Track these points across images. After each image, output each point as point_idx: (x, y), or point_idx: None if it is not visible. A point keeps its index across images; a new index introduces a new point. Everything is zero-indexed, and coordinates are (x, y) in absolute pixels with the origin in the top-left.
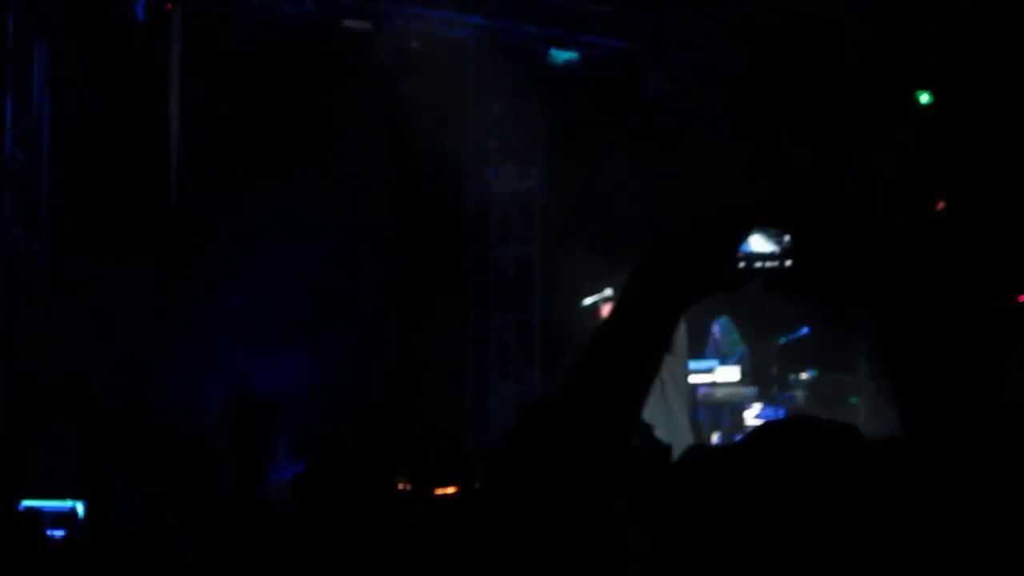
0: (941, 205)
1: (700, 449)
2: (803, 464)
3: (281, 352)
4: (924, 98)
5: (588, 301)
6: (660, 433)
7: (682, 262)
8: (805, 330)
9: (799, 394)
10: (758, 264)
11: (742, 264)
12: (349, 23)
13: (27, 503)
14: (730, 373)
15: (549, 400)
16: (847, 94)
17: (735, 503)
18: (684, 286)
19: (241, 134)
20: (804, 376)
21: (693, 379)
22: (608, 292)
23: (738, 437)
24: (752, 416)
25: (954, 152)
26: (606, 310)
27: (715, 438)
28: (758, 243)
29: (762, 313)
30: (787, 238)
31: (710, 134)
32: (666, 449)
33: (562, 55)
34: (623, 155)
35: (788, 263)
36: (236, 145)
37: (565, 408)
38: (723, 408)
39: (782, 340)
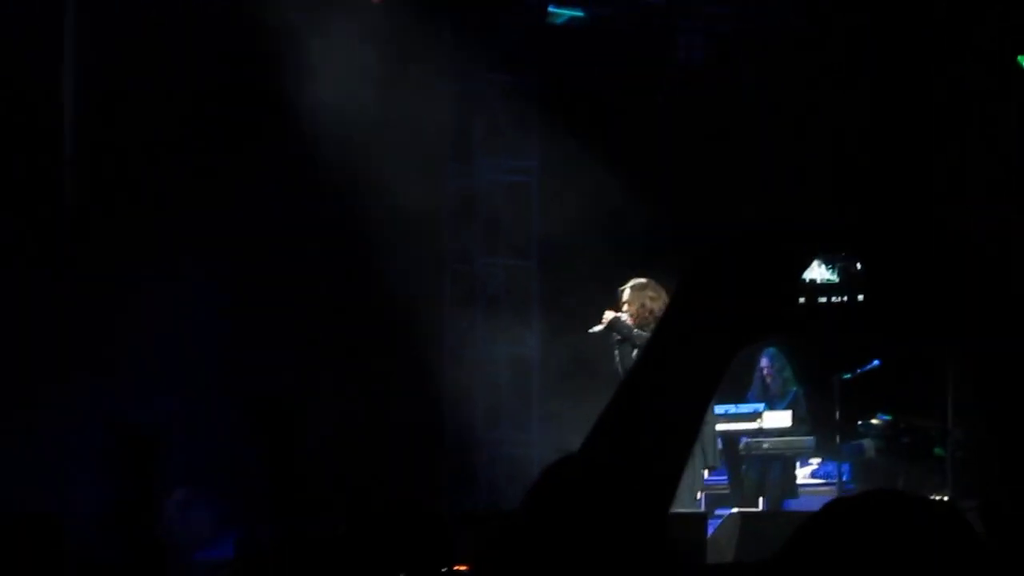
0: None
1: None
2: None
3: (199, 391)
4: None
5: (597, 327)
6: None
7: (734, 293)
8: (876, 363)
9: (868, 444)
10: (822, 298)
11: (803, 298)
12: None
13: None
14: (780, 418)
15: (571, 462)
16: (932, 61)
17: None
18: (736, 325)
19: (153, 115)
20: (875, 422)
21: (732, 426)
22: (620, 315)
23: (790, 503)
24: (808, 473)
25: None
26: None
27: (761, 503)
28: (818, 271)
29: (820, 343)
30: (858, 266)
31: (757, 113)
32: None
33: (565, 13)
34: (645, 141)
35: (861, 297)
36: (146, 128)
37: (590, 472)
38: (772, 462)
39: (846, 376)
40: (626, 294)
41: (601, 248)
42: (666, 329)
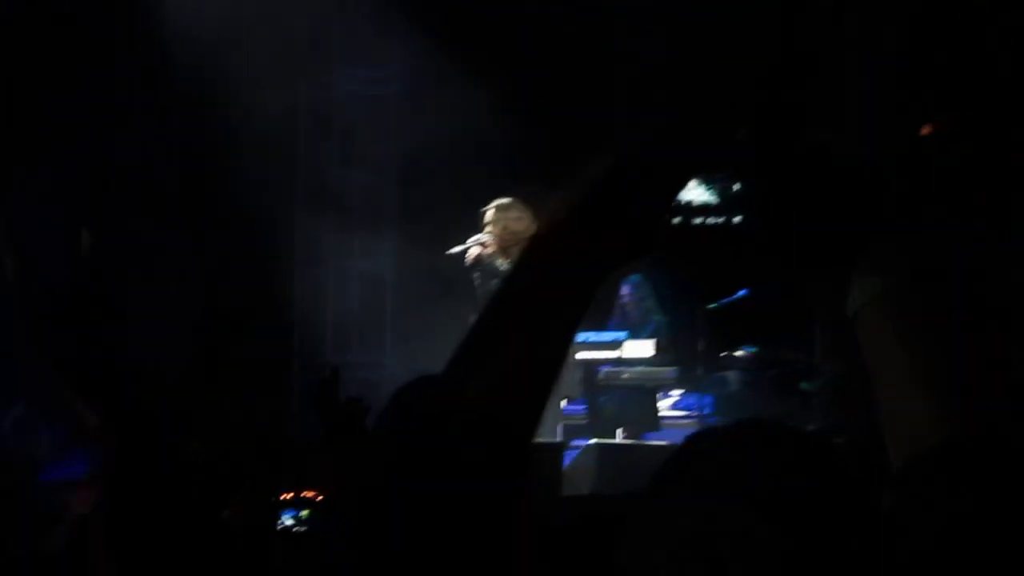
0: (927, 130)
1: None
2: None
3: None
4: None
5: (457, 248)
6: None
7: (605, 214)
8: (743, 292)
9: (733, 377)
10: (697, 219)
11: (677, 219)
12: None
13: None
14: (642, 348)
15: (427, 384)
16: None
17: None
18: (606, 247)
19: None
20: (740, 353)
21: (591, 354)
22: (482, 237)
23: (650, 436)
24: (669, 405)
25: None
26: (476, 253)
27: (620, 434)
28: (695, 192)
29: (684, 271)
30: (737, 185)
31: (638, 17)
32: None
33: None
34: (515, 51)
35: (738, 219)
36: None
37: (452, 397)
38: (632, 394)
39: (711, 306)
40: (489, 215)
41: (464, 166)
42: (534, 250)
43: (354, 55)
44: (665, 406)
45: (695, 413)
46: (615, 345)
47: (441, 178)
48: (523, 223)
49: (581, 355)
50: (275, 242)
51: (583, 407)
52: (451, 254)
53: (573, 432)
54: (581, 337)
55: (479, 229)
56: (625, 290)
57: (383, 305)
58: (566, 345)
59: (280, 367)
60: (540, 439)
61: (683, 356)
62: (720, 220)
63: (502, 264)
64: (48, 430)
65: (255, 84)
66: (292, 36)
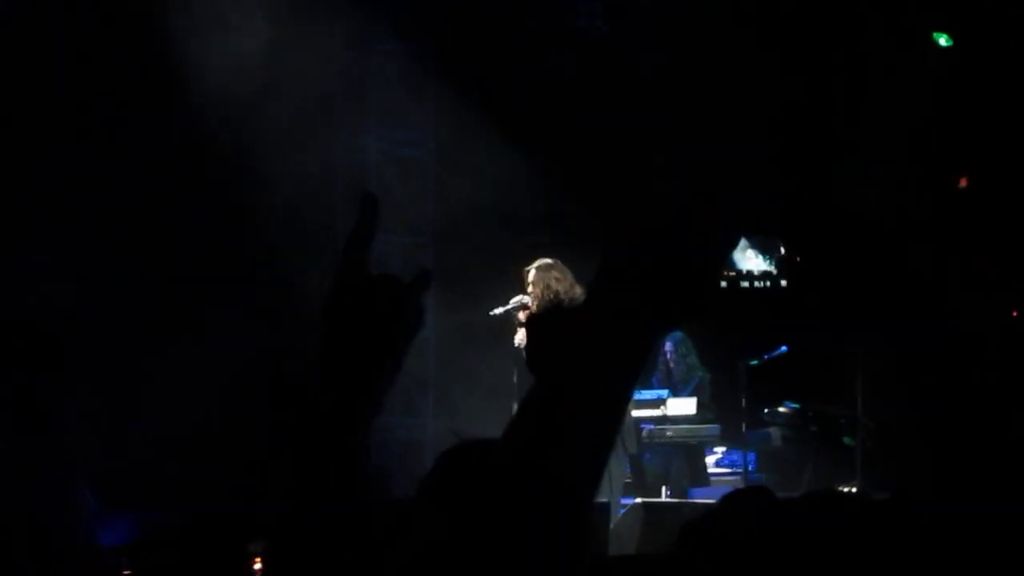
0: (964, 182)
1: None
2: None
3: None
4: (943, 41)
5: (500, 310)
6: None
7: (659, 278)
8: (783, 349)
9: (775, 433)
10: (745, 284)
11: (726, 283)
12: None
13: None
14: (685, 405)
15: (484, 448)
16: (842, 33)
17: None
18: (659, 310)
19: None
20: (782, 410)
21: (635, 412)
22: (524, 298)
23: (695, 492)
24: (713, 462)
25: (980, 112)
26: (520, 313)
27: (664, 492)
28: (754, 262)
29: (728, 327)
30: (782, 251)
31: (671, 83)
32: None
33: None
34: (544, 114)
35: (784, 283)
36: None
37: (509, 461)
38: (676, 451)
39: (753, 362)
40: (531, 275)
41: (498, 227)
42: (586, 313)
43: (388, 118)
44: (709, 463)
45: (739, 470)
46: (658, 403)
47: (476, 239)
48: (564, 283)
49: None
50: (315, 306)
51: (627, 466)
52: (493, 315)
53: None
54: None
55: (517, 289)
56: (668, 347)
57: (426, 366)
58: (624, 405)
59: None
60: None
61: (726, 413)
62: (766, 284)
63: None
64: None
65: (291, 147)
66: (327, 98)
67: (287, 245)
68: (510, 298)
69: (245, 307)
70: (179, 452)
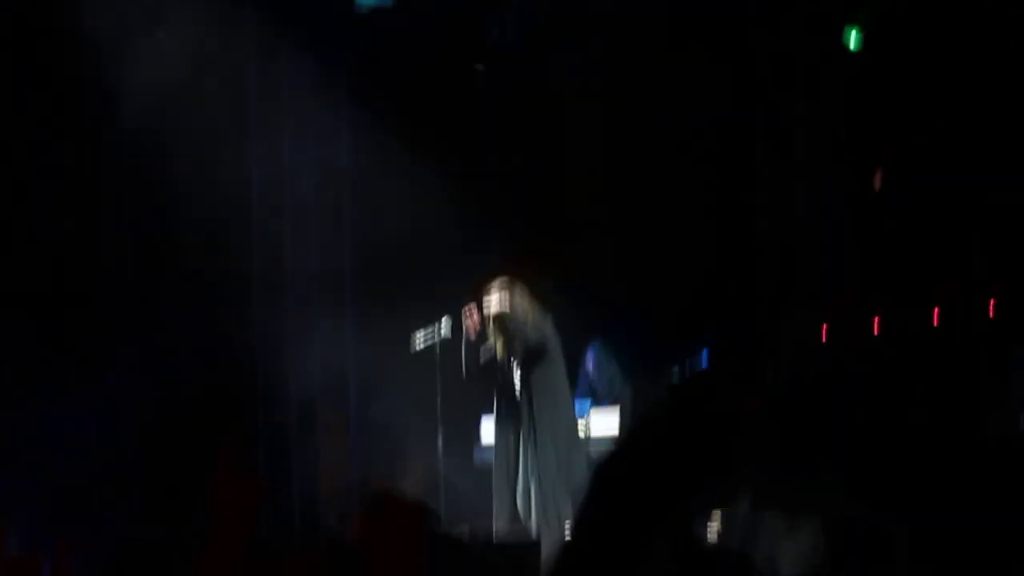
0: (879, 181)
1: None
2: None
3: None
4: (853, 38)
5: (421, 342)
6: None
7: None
8: (703, 363)
9: None
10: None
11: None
12: None
13: None
14: (607, 421)
15: None
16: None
17: None
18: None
19: None
20: None
21: None
22: (444, 326)
23: None
24: None
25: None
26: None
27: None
28: None
29: (650, 335)
30: None
31: (581, 96)
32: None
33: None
34: (462, 129)
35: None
36: None
37: None
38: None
39: (676, 370)
40: (497, 285)
41: (416, 242)
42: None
43: (303, 129)
44: None
45: None
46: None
47: (404, 256)
48: (527, 300)
49: None
50: (231, 326)
51: None
52: (419, 348)
53: None
54: None
55: (435, 309)
56: (588, 357)
57: (345, 391)
58: None
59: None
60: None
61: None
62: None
63: (491, 335)
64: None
65: (208, 167)
66: (240, 111)
67: (206, 267)
68: (428, 324)
69: (152, 338)
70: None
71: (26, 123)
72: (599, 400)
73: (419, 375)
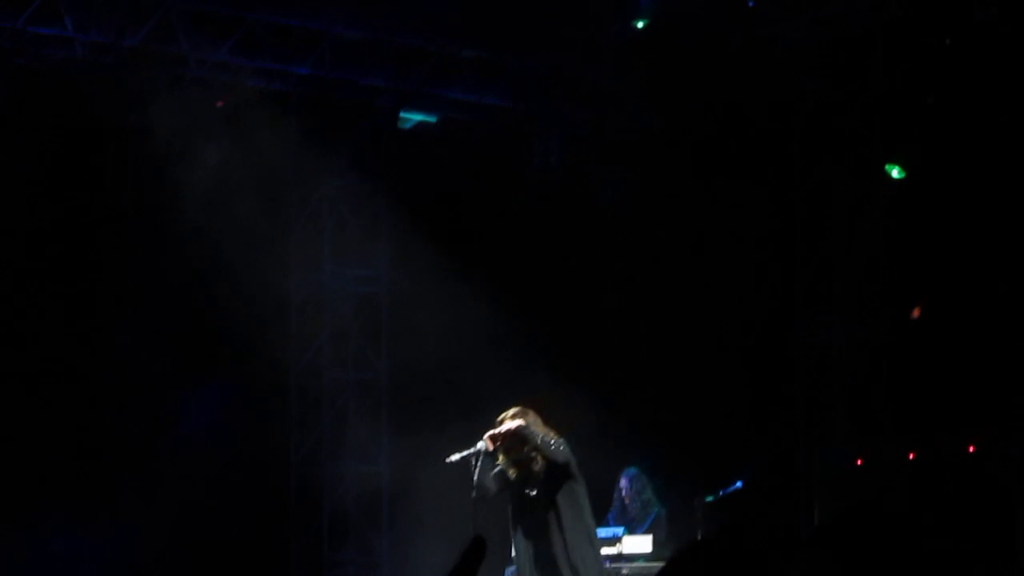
0: (917, 312)
1: None
2: None
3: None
4: (895, 173)
5: (456, 456)
6: None
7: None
8: (739, 484)
9: None
10: None
11: None
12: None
13: None
14: (640, 543)
15: None
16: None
17: None
18: None
19: None
20: None
21: None
22: (481, 445)
23: None
24: None
25: (932, 241)
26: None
27: None
28: None
29: (682, 463)
30: None
31: (617, 215)
32: None
33: (415, 116)
34: (501, 251)
35: None
36: None
37: None
38: None
39: (709, 498)
40: (514, 412)
41: (453, 360)
42: None
43: (342, 253)
44: None
45: None
46: (614, 541)
47: (431, 372)
48: (542, 425)
49: None
50: (271, 445)
51: None
52: (450, 462)
53: None
54: None
55: (470, 429)
56: (623, 483)
57: (379, 506)
58: None
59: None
60: None
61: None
62: None
63: (501, 461)
64: None
65: (247, 285)
66: (283, 232)
67: (245, 384)
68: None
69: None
70: None
71: (76, 234)
72: (632, 525)
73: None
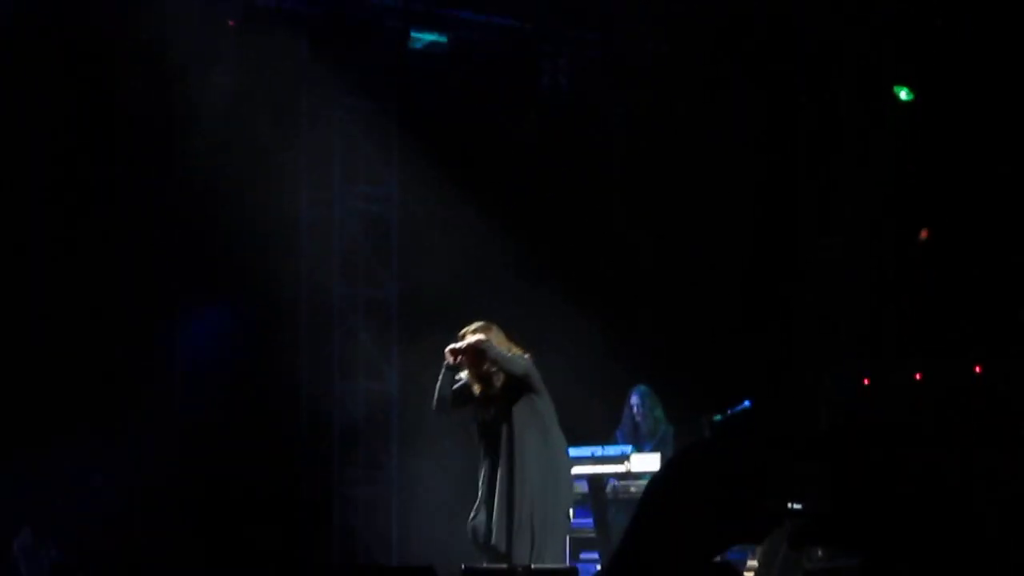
0: (925, 234)
1: None
2: None
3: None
4: (903, 95)
5: (464, 374)
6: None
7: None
8: (747, 403)
9: None
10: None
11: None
12: None
13: None
14: (649, 461)
15: None
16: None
17: None
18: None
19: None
20: None
21: (598, 468)
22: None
23: None
24: None
25: (942, 163)
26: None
27: None
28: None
29: (691, 382)
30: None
31: (626, 138)
32: None
33: (426, 37)
34: (511, 172)
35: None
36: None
37: None
38: None
39: (718, 417)
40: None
41: (462, 282)
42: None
43: (352, 173)
44: None
45: None
46: (622, 459)
47: (441, 294)
48: (505, 340)
49: (588, 469)
50: (280, 364)
51: (591, 521)
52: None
53: (581, 546)
54: (588, 451)
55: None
56: (634, 400)
57: (388, 422)
58: None
59: (288, 487)
60: (550, 562)
61: None
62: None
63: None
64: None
65: (257, 203)
66: (290, 152)
67: (255, 302)
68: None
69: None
70: None
71: (83, 153)
72: (642, 442)
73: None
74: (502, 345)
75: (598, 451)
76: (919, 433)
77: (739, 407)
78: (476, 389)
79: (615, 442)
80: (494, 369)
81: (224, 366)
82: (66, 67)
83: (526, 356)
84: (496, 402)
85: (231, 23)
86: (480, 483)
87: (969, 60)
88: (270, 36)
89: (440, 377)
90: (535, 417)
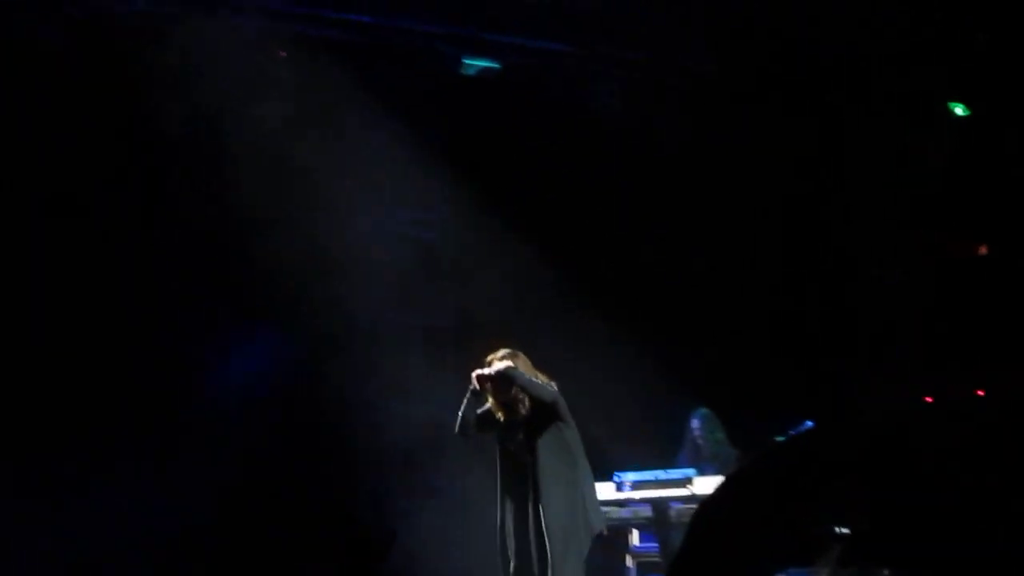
0: (984, 250)
1: None
2: None
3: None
4: (959, 111)
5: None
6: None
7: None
8: (808, 424)
9: None
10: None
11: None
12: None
13: None
14: (712, 483)
15: None
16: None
17: None
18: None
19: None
20: None
21: (661, 492)
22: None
23: None
24: None
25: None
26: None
27: None
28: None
29: (750, 404)
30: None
31: (673, 162)
32: None
33: (477, 63)
34: (561, 195)
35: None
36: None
37: None
38: None
39: (780, 439)
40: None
41: (515, 306)
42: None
43: (401, 199)
44: None
45: None
46: (685, 482)
47: (494, 322)
48: (531, 367)
49: (652, 493)
50: (330, 390)
51: (655, 544)
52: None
53: (647, 569)
54: (651, 475)
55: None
56: (695, 424)
57: (442, 448)
58: None
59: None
60: None
61: None
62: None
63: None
64: None
65: (306, 226)
66: (341, 178)
67: (302, 330)
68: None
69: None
70: None
71: (137, 182)
72: (704, 464)
73: None
74: (528, 372)
75: (661, 475)
76: (975, 454)
77: (801, 428)
78: (500, 415)
79: (677, 466)
80: (521, 396)
81: (275, 394)
82: (117, 95)
83: (552, 384)
84: (522, 429)
85: (282, 53)
86: (505, 511)
87: (1017, 73)
88: (320, 64)
89: (464, 401)
90: (563, 447)
